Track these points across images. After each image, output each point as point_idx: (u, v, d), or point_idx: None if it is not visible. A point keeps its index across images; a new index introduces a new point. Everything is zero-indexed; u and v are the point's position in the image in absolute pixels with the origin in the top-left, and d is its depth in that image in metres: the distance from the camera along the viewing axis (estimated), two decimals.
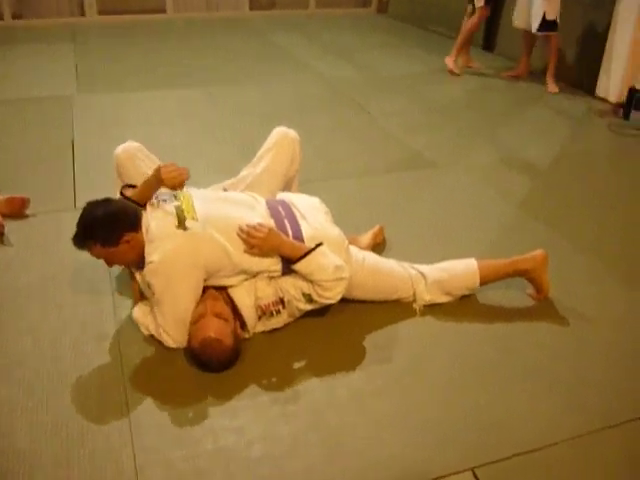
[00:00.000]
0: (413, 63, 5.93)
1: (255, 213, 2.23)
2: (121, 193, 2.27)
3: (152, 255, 2.03)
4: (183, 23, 7.27)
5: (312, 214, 2.30)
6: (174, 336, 2.10)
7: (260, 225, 2.12)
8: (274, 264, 2.15)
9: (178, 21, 7.33)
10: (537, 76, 5.46)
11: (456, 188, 3.44)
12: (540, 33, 5.06)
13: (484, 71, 5.75)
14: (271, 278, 2.18)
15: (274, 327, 2.21)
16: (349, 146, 3.96)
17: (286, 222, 2.24)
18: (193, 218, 2.10)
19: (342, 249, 2.22)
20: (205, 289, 2.13)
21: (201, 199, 2.22)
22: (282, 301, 2.16)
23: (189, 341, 2.06)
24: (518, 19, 5.27)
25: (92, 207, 2.07)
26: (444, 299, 2.40)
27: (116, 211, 2.08)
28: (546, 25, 4.97)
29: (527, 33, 5.24)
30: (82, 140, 3.84)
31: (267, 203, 2.33)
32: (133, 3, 7.35)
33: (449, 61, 5.64)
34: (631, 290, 2.57)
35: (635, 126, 4.38)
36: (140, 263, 2.09)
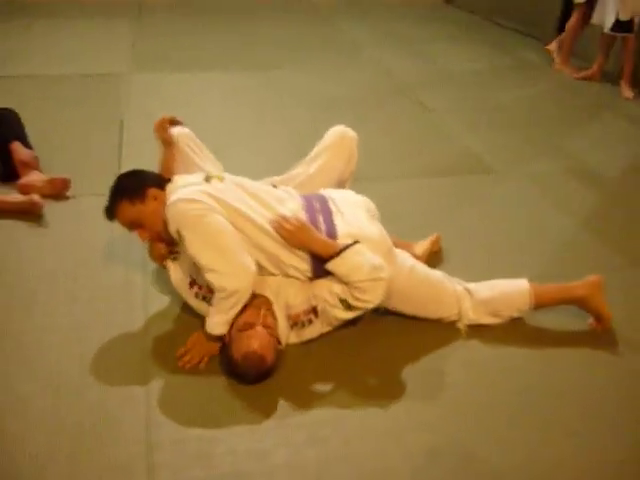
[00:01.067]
0: (477, 58, 5.64)
1: (284, 207, 2.09)
2: None
3: (171, 197, 2.01)
4: (252, 2, 7.11)
5: (351, 210, 2.13)
6: (232, 273, 1.89)
7: (292, 217, 1.99)
8: (302, 262, 2.01)
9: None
10: (612, 80, 5.12)
11: (513, 198, 3.22)
12: (612, 33, 4.76)
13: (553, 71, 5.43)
14: (302, 284, 2.04)
15: (308, 338, 2.06)
16: (403, 144, 3.77)
17: (320, 217, 2.08)
18: (218, 178, 2.12)
19: (383, 249, 2.05)
20: (253, 296, 2.00)
21: (233, 182, 2.14)
22: (314, 310, 2.00)
23: (230, 348, 1.92)
24: (597, 15, 4.95)
25: (121, 175, 2.20)
26: (490, 320, 2.21)
27: (140, 170, 2.17)
28: (619, 26, 4.68)
29: (603, 34, 4.92)
30: (131, 121, 3.76)
31: (303, 197, 2.18)
32: None
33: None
34: None
35: None
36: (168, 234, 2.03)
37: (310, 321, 2.02)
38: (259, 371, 1.88)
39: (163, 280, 2.28)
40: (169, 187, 2.08)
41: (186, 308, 2.18)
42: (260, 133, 3.75)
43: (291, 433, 1.77)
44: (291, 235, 1.96)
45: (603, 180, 3.51)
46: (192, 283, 2.08)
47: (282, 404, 1.86)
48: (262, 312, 1.94)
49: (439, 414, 1.87)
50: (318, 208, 2.12)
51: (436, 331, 2.18)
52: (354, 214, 2.12)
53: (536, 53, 5.72)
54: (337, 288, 1.94)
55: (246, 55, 5.26)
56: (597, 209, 3.18)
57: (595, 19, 4.97)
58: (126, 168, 3.09)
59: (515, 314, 2.23)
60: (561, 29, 5.74)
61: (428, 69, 5.26)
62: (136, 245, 2.37)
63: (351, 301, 1.92)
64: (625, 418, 1.90)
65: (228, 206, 1.98)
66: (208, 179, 2.09)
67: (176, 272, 2.10)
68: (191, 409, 1.84)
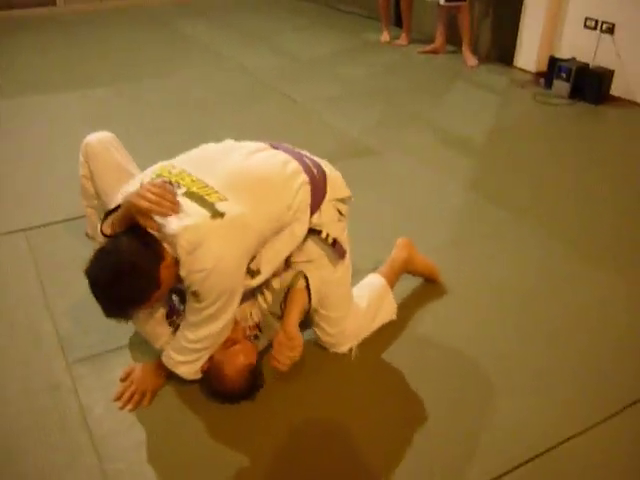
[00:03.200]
0: (329, 44, 5.75)
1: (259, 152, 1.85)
2: (102, 231, 1.74)
3: (202, 262, 1.59)
4: (75, 16, 6.72)
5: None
6: (211, 351, 1.82)
7: None
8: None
9: (69, 14, 6.77)
10: (455, 51, 5.44)
11: (400, 174, 3.33)
12: (448, 4, 5.03)
13: (399, 48, 5.67)
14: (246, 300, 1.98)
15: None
16: (282, 138, 3.74)
17: (305, 159, 1.90)
18: (218, 198, 1.66)
19: None
20: None
21: (192, 166, 1.78)
22: (258, 325, 2.00)
23: (218, 368, 1.83)
24: None
25: (102, 265, 1.61)
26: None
27: (136, 252, 1.61)
28: None
29: (438, 6, 5.18)
30: None
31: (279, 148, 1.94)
32: None
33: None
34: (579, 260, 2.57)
35: (558, 94, 4.43)
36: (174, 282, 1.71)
37: (256, 336, 2.00)
38: (251, 383, 1.85)
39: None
40: (168, 240, 1.63)
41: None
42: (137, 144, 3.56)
43: None
44: None
45: (474, 144, 3.73)
46: (169, 314, 1.92)
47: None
48: (238, 326, 1.91)
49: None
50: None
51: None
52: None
53: (379, 34, 5.91)
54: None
55: (94, 70, 4.97)
56: (477, 171, 3.38)
57: None
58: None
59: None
60: (397, 7, 6.01)
61: (285, 61, 5.28)
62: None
63: None
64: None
65: (252, 228, 1.70)
66: (214, 212, 1.63)
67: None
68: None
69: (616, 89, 4.36)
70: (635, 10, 4.16)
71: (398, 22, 6.12)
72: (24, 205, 2.94)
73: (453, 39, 5.40)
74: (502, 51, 5.21)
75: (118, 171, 2.19)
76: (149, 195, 1.58)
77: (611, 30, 4.31)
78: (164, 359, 1.86)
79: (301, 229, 1.84)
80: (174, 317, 1.91)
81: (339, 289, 2.01)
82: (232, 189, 1.70)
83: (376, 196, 3.06)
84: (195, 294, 1.66)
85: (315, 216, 1.87)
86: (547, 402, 1.89)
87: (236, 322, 1.92)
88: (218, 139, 1.97)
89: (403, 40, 5.70)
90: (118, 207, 1.69)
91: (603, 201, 3.09)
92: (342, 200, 1.96)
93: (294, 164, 1.84)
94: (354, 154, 3.53)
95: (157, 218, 1.62)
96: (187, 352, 1.80)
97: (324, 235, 1.88)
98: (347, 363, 2.04)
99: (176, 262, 1.62)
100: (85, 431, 1.77)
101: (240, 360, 1.83)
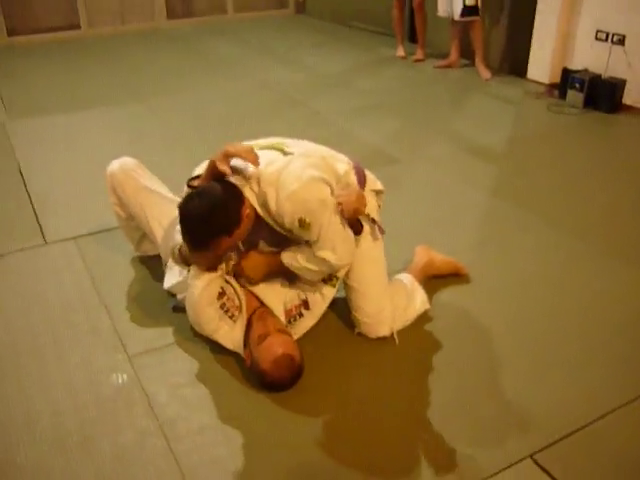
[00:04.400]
0: (347, 60, 5.95)
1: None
2: (189, 186, 2.06)
3: (286, 188, 1.84)
4: (100, 39, 6.97)
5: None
6: (345, 256, 1.95)
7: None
8: None
9: (93, 37, 7.02)
10: (469, 65, 5.61)
11: (425, 182, 3.48)
12: (463, 19, 5.20)
13: (414, 63, 5.84)
14: (285, 282, 2.15)
15: (301, 334, 2.15)
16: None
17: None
18: (287, 148, 2.01)
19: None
20: (253, 310, 2.08)
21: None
22: (305, 302, 2.13)
23: (257, 365, 1.95)
24: (441, 8, 5.39)
25: (195, 202, 1.87)
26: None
27: (223, 192, 1.88)
28: (467, 11, 5.11)
29: (452, 21, 5.37)
30: (29, 170, 3.61)
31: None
32: (44, 21, 6.96)
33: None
34: (605, 258, 2.70)
35: (572, 104, 4.58)
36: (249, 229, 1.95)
37: (301, 314, 2.13)
38: (292, 372, 1.94)
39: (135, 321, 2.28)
40: (254, 177, 1.91)
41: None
42: (166, 159, 3.74)
43: None
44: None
45: (495, 153, 3.87)
46: (222, 294, 2.06)
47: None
48: (269, 321, 2.01)
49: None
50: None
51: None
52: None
53: (394, 49, 6.08)
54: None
55: (121, 88, 5.17)
56: (498, 178, 3.52)
57: (440, 12, 5.41)
58: (44, 219, 3.06)
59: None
60: (411, 23, 6.20)
61: (305, 76, 5.47)
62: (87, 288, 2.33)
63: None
64: None
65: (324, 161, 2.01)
66: (285, 153, 1.97)
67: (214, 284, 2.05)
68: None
69: (628, 98, 4.51)
70: None
71: (411, 37, 6.33)
72: (71, 216, 3.10)
73: (466, 53, 5.57)
74: (515, 64, 5.38)
75: (146, 194, 2.41)
76: (235, 144, 1.94)
77: (622, 41, 4.46)
78: (286, 260, 2.00)
79: None
80: (224, 299, 2.06)
81: (376, 266, 2.19)
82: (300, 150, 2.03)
83: (402, 202, 3.20)
84: (301, 222, 1.85)
85: None
86: (577, 386, 2.02)
87: (267, 316, 2.06)
88: None
89: (419, 55, 5.88)
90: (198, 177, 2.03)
91: (620, 202, 3.23)
92: (378, 193, 2.20)
93: (342, 155, 2.18)
94: (379, 162, 3.68)
95: (238, 164, 1.93)
96: (315, 262, 1.96)
97: (366, 214, 2.07)
98: (383, 355, 2.17)
99: (253, 209, 1.90)
100: (151, 417, 1.90)
101: (273, 352, 1.91)
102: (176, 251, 2.10)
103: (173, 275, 2.29)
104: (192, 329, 2.22)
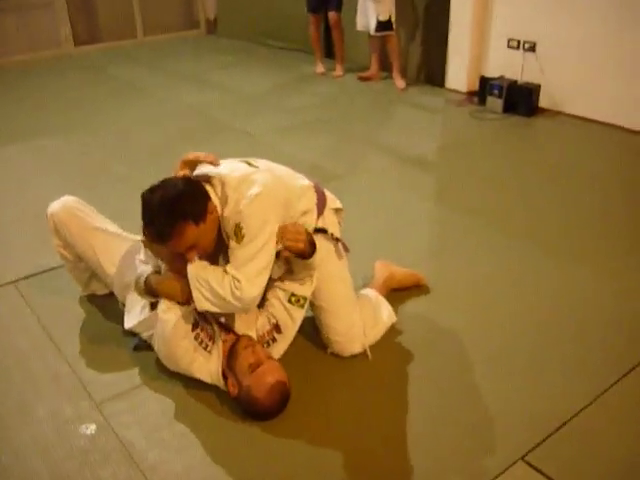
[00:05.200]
0: (267, 78, 5.94)
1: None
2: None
3: (248, 190, 1.85)
4: (4, 69, 6.63)
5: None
6: (249, 291, 1.85)
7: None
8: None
9: (5, 65, 6.65)
10: (389, 77, 5.72)
11: (367, 193, 3.52)
12: (378, 34, 5.33)
13: (335, 79, 5.92)
14: (260, 307, 2.10)
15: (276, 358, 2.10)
16: None
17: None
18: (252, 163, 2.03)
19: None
20: (235, 339, 2.04)
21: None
22: (277, 326, 2.09)
23: (247, 393, 1.89)
24: (360, 23, 5.49)
25: (160, 190, 1.82)
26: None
27: (189, 183, 1.87)
28: (381, 26, 5.24)
29: (370, 37, 5.48)
30: None
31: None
32: None
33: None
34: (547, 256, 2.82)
35: (492, 110, 4.77)
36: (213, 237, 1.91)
37: (274, 339, 2.09)
38: (285, 398, 1.92)
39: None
40: (217, 180, 1.90)
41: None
42: (98, 193, 3.59)
43: None
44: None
45: (428, 160, 3.98)
46: (195, 325, 1.99)
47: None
48: (256, 348, 1.97)
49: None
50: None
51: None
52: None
53: (313, 66, 6.12)
54: (280, 292, 2.07)
55: (37, 120, 4.94)
56: (439, 186, 3.62)
57: (359, 26, 5.52)
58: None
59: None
60: (329, 38, 6.27)
61: (229, 97, 5.42)
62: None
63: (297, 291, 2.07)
64: None
65: (284, 182, 2.02)
66: (250, 164, 2.00)
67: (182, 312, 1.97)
68: None
69: (543, 101, 4.74)
70: (552, 28, 4.57)
71: (327, 53, 6.40)
72: (4, 259, 2.92)
73: (386, 65, 5.69)
74: (433, 74, 5.54)
75: (94, 234, 2.30)
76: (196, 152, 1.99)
77: (533, 48, 4.70)
78: (194, 269, 1.89)
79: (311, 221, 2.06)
80: (198, 330, 2.00)
81: (343, 284, 2.19)
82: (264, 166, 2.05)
83: (350, 217, 3.14)
84: (238, 229, 1.83)
85: (319, 220, 2.09)
86: (552, 382, 2.08)
87: (254, 344, 2.01)
88: None
89: (338, 71, 5.95)
90: None
91: (545, 196, 3.43)
92: (337, 211, 2.21)
93: (301, 175, 2.19)
94: (320, 180, 3.59)
95: (201, 168, 1.96)
96: (219, 281, 1.87)
97: (329, 233, 2.09)
98: (359, 372, 2.16)
99: (217, 217, 1.87)
100: (132, 465, 1.80)
101: (268, 380, 1.90)
102: (141, 281, 2.00)
103: (134, 314, 2.19)
104: (158, 367, 2.14)
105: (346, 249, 2.18)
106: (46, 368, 2.20)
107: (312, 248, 1.95)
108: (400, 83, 5.51)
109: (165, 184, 1.85)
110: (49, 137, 4.52)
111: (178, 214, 1.78)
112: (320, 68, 6.07)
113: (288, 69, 6.26)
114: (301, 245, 1.89)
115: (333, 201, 2.21)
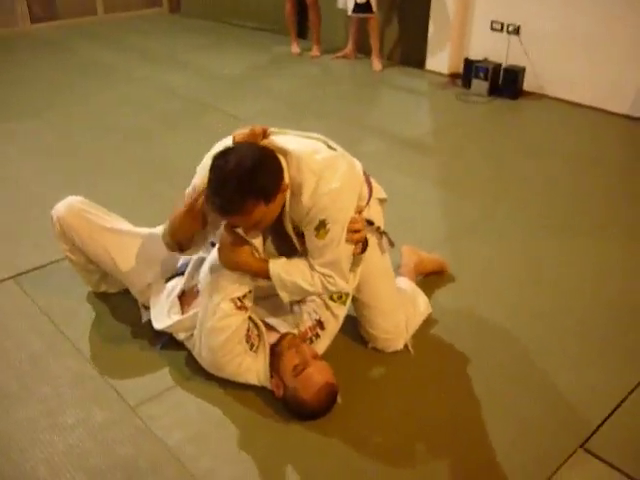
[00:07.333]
0: (244, 60, 5.75)
1: None
2: None
3: (330, 182, 1.70)
4: None
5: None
6: (344, 286, 1.83)
7: None
8: None
9: None
10: (365, 57, 5.62)
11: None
12: (354, 15, 5.22)
13: (312, 59, 5.79)
14: (301, 304, 2.02)
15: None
16: None
17: None
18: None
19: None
20: (278, 337, 1.94)
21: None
22: (320, 322, 2.00)
23: (294, 395, 1.81)
24: (340, 1, 5.37)
25: (234, 157, 1.61)
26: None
27: (269, 153, 1.68)
28: (358, 7, 5.13)
29: (348, 16, 5.36)
30: None
31: None
32: None
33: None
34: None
35: (478, 93, 4.76)
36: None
37: (317, 335, 2.00)
38: (333, 399, 1.85)
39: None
40: (294, 157, 1.71)
41: None
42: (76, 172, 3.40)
43: None
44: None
45: (426, 144, 3.94)
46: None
47: None
48: (301, 348, 1.88)
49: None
50: None
51: None
52: None
53: (288, 46, 5.98)
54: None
55: (2, 104, 4.65)
56: (440, 170, 3.58)
57: (340, 4, 5.39)
58: None
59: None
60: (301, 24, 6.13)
61: (206, 79, 5.22)
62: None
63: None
64: None
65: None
66: (330, 147, 1.85)
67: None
68: None
69: (528, 84, 4.76)
70: (536, 11, 4.58)
71: (301, 34, 6.25)
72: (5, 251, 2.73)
73: (364, 47, 5.60)
74: (413, 56, 5.48)
75: (107, 236, 2.15)
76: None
77: (517, 31, 4.70)
78: (275, 269, 1.79)
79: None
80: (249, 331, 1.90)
81: (388, 279, 2.11)
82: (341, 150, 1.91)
83: None
84: (322, 225, 1.71)
85: (365, 209, 1.95)
86: (600, 368, 2.08)
87: (298, 343, 1.92)
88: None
89: (315, 52, 5.83)
90: None
91: (536, 176, 3.49)
92: (381, 201, 2.09)
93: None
94: None
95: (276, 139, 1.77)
96: (309, 279, 1.80)
97: (376, 226, 1.99)
98: (401, 366, 2.11)
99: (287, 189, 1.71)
100: (185, 474, 1.70)
101: (316, 382, 1.81)
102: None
103: (162, 313, 2.06)
104: (189, 366, 2.04)
105: (391, 244, 2.09)
106: (66, 370, 2.06)
107: (365, 243, 1.87)
108: (377, 65, 5.43)
109: (240, 150, 1.65)
110: (17, 121, 4.24)
111: (251, 189, 1.59)
112: (295, 48, 5.93)
113: (262, 50, 6.08)
114: (359, 238, 1.81)
115: (379, 190, 2.07)
